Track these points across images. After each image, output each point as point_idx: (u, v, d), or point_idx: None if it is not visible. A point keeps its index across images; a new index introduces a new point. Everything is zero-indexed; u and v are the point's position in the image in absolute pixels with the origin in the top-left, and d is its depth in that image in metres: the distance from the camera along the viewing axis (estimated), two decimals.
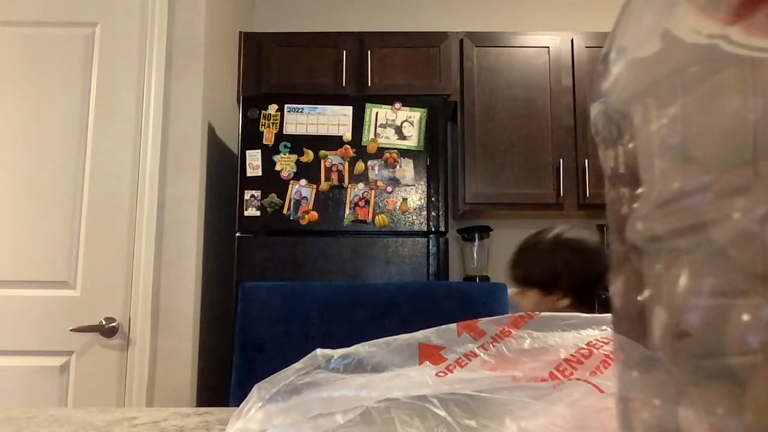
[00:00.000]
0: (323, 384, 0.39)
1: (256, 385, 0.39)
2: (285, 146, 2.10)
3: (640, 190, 0.22)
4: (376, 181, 2.10)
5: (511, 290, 1.29)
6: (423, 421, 0.33)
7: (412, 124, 2.14)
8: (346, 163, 2.10)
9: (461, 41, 2.56)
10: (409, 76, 2.53)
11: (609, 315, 0.30)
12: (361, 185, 2.10)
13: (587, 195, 2.45)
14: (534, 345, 0.41)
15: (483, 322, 0.43)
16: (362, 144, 2.12)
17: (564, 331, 0.42)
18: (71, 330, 1.74)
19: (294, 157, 2.10)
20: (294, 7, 3.00)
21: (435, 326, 0.43)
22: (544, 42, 2.56)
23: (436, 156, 2.13)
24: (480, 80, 2.53)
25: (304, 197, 2.08)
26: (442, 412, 0.33)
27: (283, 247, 2.06)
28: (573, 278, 1.35)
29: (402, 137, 2.13)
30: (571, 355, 0.39)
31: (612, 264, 0.25)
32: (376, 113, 2.14)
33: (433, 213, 2.10)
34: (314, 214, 2.07)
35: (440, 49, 2.55)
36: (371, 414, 0.34)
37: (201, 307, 2.01)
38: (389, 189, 2.10)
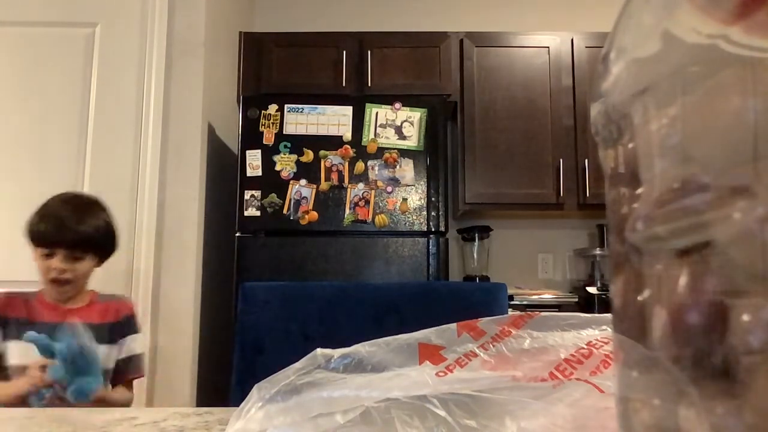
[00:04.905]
0: (323, 384, 0.39)
1: (256, 385, 0.39)
2: (285, 146, 2.10)
3: (640, 190, 0.22)
4: (376, 181, 2.10)
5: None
6: (423, 421, 0.33)
7: (412, 124, 2.14)
8: (346, 163, 2.10)
9: (461, 41, 2.56)
10: (409, 76, 2.53)
11: (609, 315, 0.30)
12: (361, 185, 2.09)
13: (587, 195, 2.45)
14: (534, 345, 0.41)
15: (483, 322, 0.43)
16: (362, 144, 2.12)
17: (564, 331, 0.42)
18: None
19: (294, 157, 2.10)
20: (294, 7, 3.00)
21: (435, 326, 0.43)
22: (544, 42, 2.56)
23: (436, 156, 2.13)
24: (480, 80, 2.53)
25: (304, 197, 2.08)
26: (442, 412, 0.33)
27: (283, 247, 2.06)
28: None
29: (402, 137, 2.13)
30: (571, 355, 0.39)
31: (612, 264, 0.25)
32: (376, 113, 2.14)
33: (433, 213, 2.10)
34: (314, 214, 2.07)
35: (440, 49, 2.55)
36: (371, 414, 0.34)
37: (201, 307, 2.01)
38: (389, 189, 2.10)
